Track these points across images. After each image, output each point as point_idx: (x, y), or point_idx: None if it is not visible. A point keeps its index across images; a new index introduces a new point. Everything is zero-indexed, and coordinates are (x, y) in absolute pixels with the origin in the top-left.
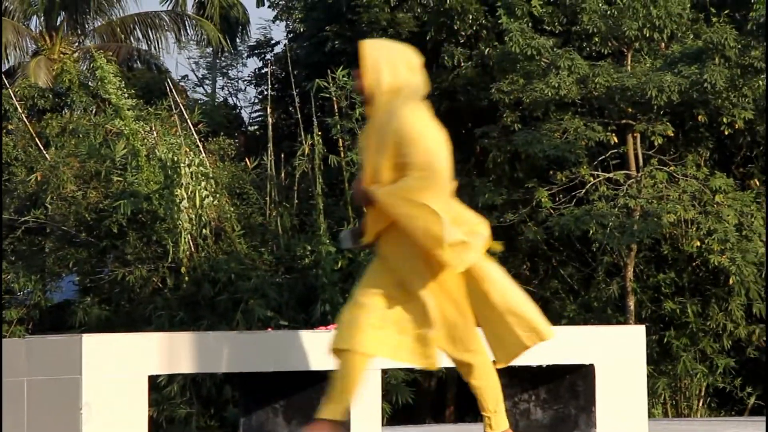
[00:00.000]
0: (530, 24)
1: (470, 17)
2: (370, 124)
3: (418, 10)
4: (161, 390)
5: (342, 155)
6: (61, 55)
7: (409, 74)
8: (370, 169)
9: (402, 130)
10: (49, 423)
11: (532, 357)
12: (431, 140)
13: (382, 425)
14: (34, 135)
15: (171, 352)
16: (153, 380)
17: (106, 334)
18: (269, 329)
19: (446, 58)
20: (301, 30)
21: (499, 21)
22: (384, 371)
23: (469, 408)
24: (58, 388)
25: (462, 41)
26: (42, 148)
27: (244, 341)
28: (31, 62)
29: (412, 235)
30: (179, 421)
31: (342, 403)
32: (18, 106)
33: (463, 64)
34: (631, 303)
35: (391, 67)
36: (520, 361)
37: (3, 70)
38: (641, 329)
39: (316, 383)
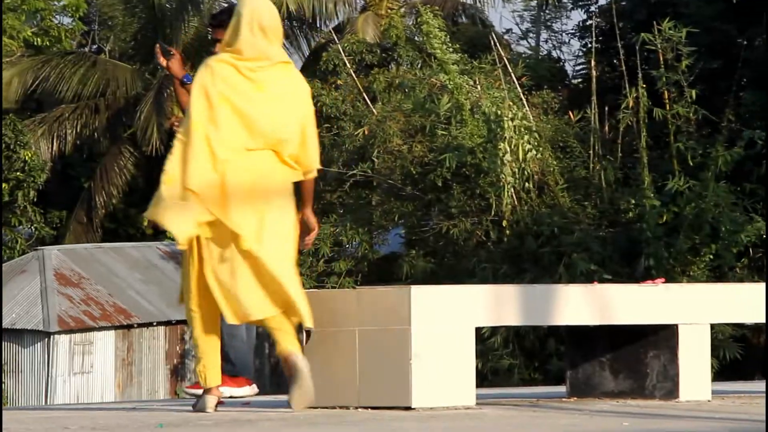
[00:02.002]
0: None
1: None
2: None
3: None
4: (485, 342)
5: (667, 108)
6: (389, 11)
7: None
8: None
9: None
10: (379, 372)
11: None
12: None
13: (712, 381)
14: (362, 90)
15: (497, 304)
16: (477, 332)
17: (434, 286)
18: (594, 283)
19: None
20: None
21: None
22: (712, 326)
23: None
24: (388, 338)
25: None
26: (369, 102)
27: (570, 294)
28: (359, 18)
29: None
30: (503, 373)
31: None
32: (346, 62)
33: None
34: None
35: None
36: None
37: (331, 26)
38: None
39: (643, 338)
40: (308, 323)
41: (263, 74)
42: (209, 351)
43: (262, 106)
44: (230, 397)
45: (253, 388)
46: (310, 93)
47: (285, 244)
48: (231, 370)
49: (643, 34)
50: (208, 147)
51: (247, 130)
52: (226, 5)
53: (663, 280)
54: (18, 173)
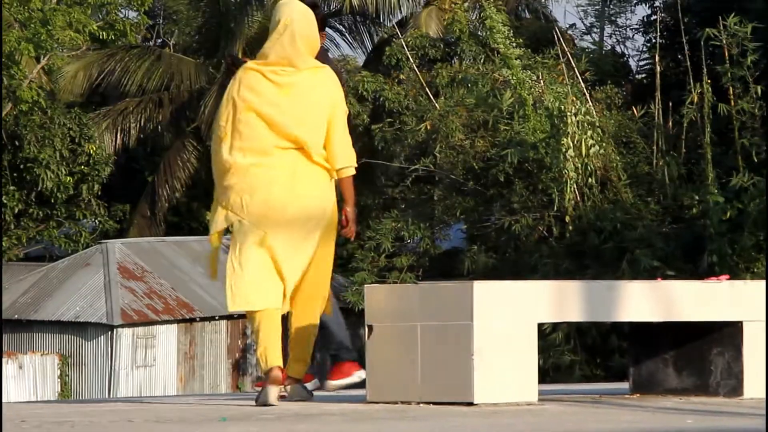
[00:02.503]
0: None
1: None
2: None
3: None
4: (546, 337)
5: (732, 104)
6: (452, 5)
7: None
8: None
9: None
10: (441, 367)
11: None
12: None
13: None
14: (424, 84)
15: (560, 300)
16: (538, 328)
17: (496, 282)
18: (658, 279)
19: None
20: None
21: None
22: None
23: None
24: (450, 333)
25: None
26: (432, 97)
27: (633, 290)
28: (423, 12)
29: None
30: (564, 369)
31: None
32: (409, 56)
33: None
34: None
35: None
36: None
37: (394, 21)
38: None
39: (707, 334)
40: (322, 312)
41: (288, 78)
42: (267, 334)
43: (286, 108)
44: (346, 386)
45: (360, 373)
46: (340, 96)
47: (306, 238)
48: (354, 356)
49: (707, 29)
50: (230, 155)
51: (274, 132)
52: None
53: (727, 276)
54: (82, 167)
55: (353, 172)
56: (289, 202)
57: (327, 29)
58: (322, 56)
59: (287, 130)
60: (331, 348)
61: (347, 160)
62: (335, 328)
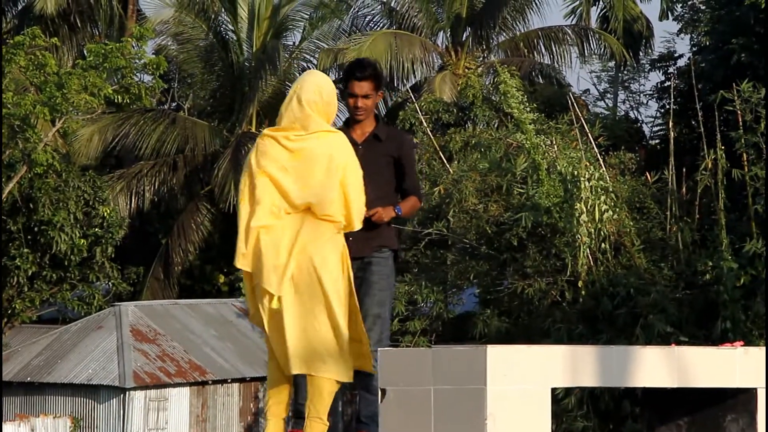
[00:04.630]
0: None
1: None
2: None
3: None
4: (559, 402)
5: (746, 170)
6: (466, 70)
7: None
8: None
9: None
10: (454, 431)
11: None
12: None
13: None
14: (438, 149)
15: (574, 365)
16: (551, 392)
17: (509, 346)
18: (672, 345)
19: None
20: (707, 43)
21: None
22: None
23: None
24: (463, 397)
25: None
26: (445, 161)
27: (647, 356)
28: (437, 77)
29: None
30: None
31: None
32: (423, 120)
33: None
34: None
35: None
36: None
37: (409, 85)
38: None
39: (721, 401)
40: (339, 378)
41: (299, 144)
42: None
43: (293, 172)
44: None
45: None
46: (353, 159)
47: (312, 296)
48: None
49: (722, 91)
50: (248, 218)
51: (283, 196)
52: (304, 64)
53: (741, 343)
54: (96, 229)
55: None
56: (293, 261)
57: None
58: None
59: (293, 195)
60: (363, 415)
61: (359, 219)
62: (373, 397)
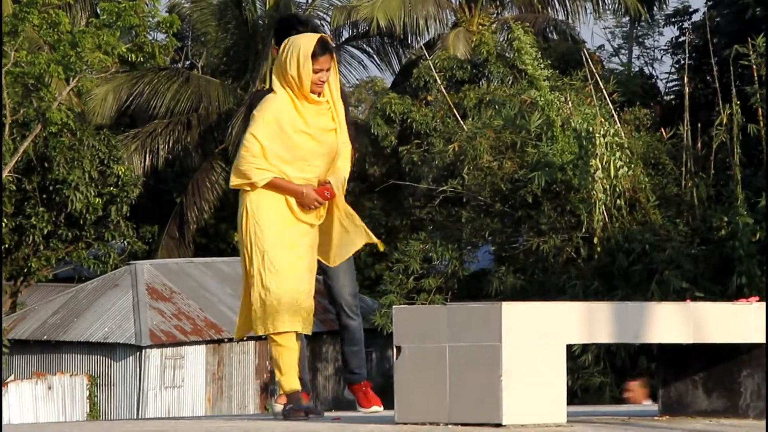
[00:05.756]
0: None
1: None
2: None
3: None
4: (576, 359)
5: (761, 124)
6: (480, 27)
7: None
8: None
9: None
10: (469, 388)
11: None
12: None
13: None
14: (452, 106)
15: (589, 321)
16: (568, 349)
17: (524, 303)
18: (687, 300)
19: None
20: None
21: None
22: None
23: None
24: (479, 354)
25: None
26: (459, 119)
27: (662, 312)
28: (450, 34)
29: None
30: (593, 390)
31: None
32: (437, 78)
33: None
34: None
35: None
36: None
37: (422, 42)
38: None
39: (737, 356)
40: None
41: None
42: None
43: None
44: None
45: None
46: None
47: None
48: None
49: (736, 46)
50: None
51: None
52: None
53: (757, 298)
54: (111, 188)
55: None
56: None
57: (355, 50)
58: None
59: None
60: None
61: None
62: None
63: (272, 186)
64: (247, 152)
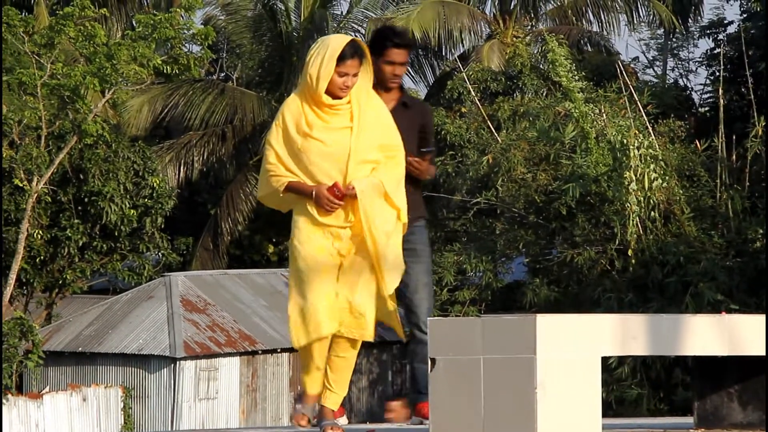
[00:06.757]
0: None
1: None
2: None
3: None
4: (612, 371)
5: None
6: (514, 39)
7: None
8: None
9: None
10: (504, 400)
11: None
12: None
13: None
14: (486, 118)
15: (624, 333)
16: (604, 361)
17: (559, 315)
18: (722, 313)
19: None
20: (757, 9)
21: None
22: None
23: None
24: (513, 367)
25: None
26: (493, 130)
27: (697, 324)
28: (485, 46)
29: None
30: (629, 403)
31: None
32: (471, 90)
33: None
34: None
35: None
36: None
37: (457, 54)
38: None
39: None
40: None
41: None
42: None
43: None
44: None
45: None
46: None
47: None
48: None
49: None
50: None
51: None
52: (352, 34)
53: None
54: (146, 200)
55: None
56: None
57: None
58: None
59: None
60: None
61: None
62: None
63: (288, 190)
64: (264, 161)
